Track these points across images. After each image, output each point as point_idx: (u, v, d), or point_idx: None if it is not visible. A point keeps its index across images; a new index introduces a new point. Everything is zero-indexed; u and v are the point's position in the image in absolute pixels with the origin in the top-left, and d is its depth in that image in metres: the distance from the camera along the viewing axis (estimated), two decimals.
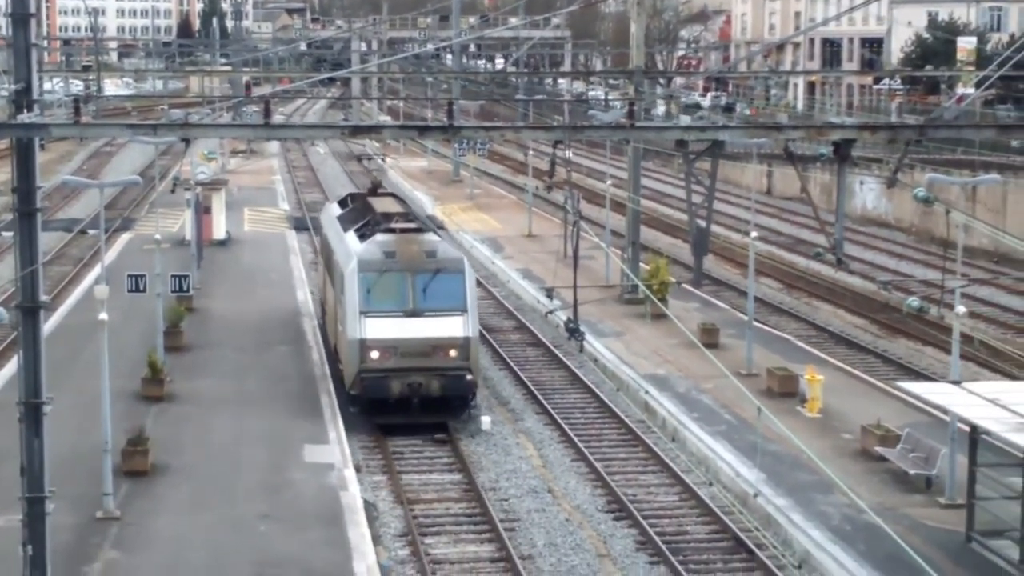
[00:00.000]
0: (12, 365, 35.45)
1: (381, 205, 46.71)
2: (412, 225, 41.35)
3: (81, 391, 33.82)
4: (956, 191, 52.16)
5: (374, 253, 38.42)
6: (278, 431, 37.29)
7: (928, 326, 50.90)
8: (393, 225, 40.53)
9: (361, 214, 45.98)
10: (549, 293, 54.26)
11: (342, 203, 52.49)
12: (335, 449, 35.76)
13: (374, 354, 36.57)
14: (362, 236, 40.75)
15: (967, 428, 29.72)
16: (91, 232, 66.21)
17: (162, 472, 33.53)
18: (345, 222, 45.95)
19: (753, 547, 30.39)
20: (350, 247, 40.33)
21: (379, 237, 39.32)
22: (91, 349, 33.16)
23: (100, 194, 36.14)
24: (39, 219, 22.82)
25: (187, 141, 36.17)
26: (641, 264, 57.77)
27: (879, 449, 35.34)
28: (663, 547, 30.50)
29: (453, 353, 37.22)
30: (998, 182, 59.85)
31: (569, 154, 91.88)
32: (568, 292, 50.07)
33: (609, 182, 67.11)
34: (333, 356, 43.10)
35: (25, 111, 21.99)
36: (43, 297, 23.33)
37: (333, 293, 41.82)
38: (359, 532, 29.72)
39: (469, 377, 37.73)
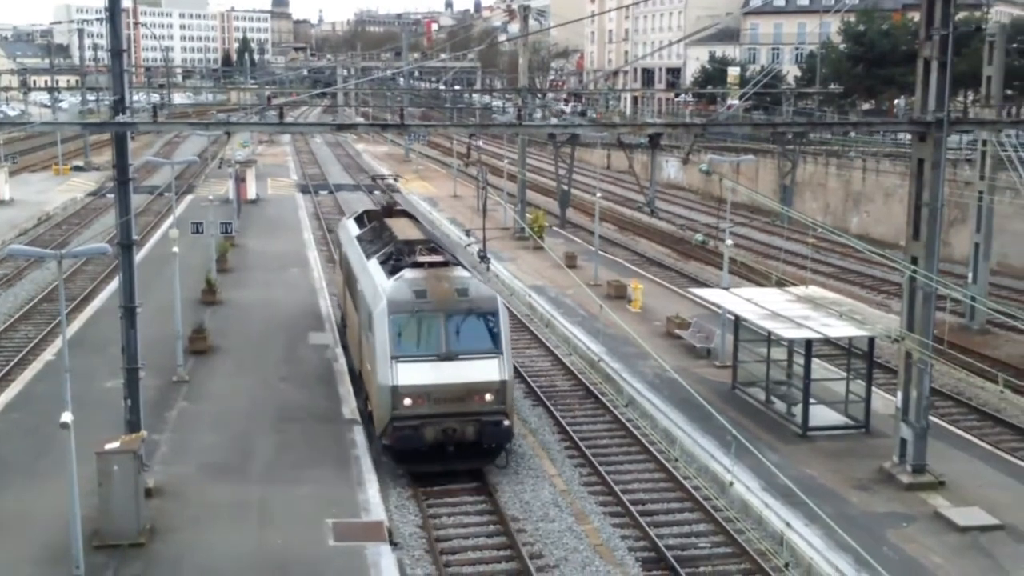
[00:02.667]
0: (115, 283, 34.90)
1: (400, 229, 31.83)
2: (440, 259, 26.63)
3: (161, 299, 33.28)
4: (727, 166, 52.47)
5: (404, 293, 24.36)
6: (291, 323, 36.94)
7: (708, 253, 51.41)
8: (421, 259, 26.27)
9: (381, 238, 31.37)
10: (467, 232, 54.01)
11: (359, 221, 36.69)
12: (329, 336, 35.50)
13: (407, 401, 23.49)
14: (389, 270, 26.35)
15: (733, 317, 30.05)
16: (166, 194, 65.13)
17: (215, 351, 33.15)
18: (365, 244, 31.25)
19: (597, 394, 30.64)
20: (376, 282, 26.00)
21: (408, 274, 25.12)
22: (167, 271, 32.61)
23: (172, 169, 35.62)
24: (131, 186, 22.50)
25: (228, 134, 35.43)
26: (526, 214, 57.71)
27: (677, 331, 35.65)
28: (541, 395, 30.64)
29: (488, 397, 23.96)
30: (753, 161, 60.25)
31: (480, 143, 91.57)
32: (479, 232, 49.93)
33: (506, 161, 67.03)
34: (356, 377, 29.47)
35: (120, 114, 21.71)
36: (134, 237, 23.03)
37: (358, 320, 28.14)
38: (346, 388, 29.57)
39: (506, 423, 24.11)
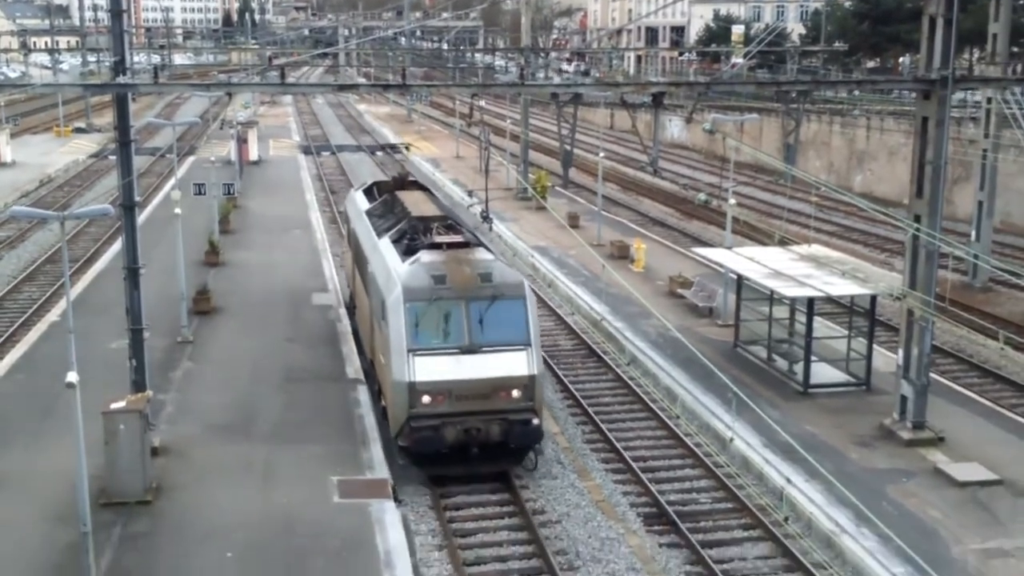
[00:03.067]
0: (118, 244, 35.00)
1: (413, 204, 28.72)
2: (459, 239, 23.95)
3: (164, 260, 33.37)
4: (730, 126, 52.34)
5: (421, 278, 21.68)
6: (295, 284, 37.06)
7: (712, 212, 51.40)
8: (438, 239, 23.62)
9: (393, 213, 28.53)
10: (470, 193, 54.01)
11: (368, 193, 33.25)
12: (333, 296, 35.63)
13: (425, 399, 21.07)
14: (403, 251, 23.65)
15: (735, 276, 30.13)
16: (168, 156, 65.02)
17: (219, 311, 33.31)
18: (376, 220, 28.43)
19: (600, 353, 30.79)
20: (390, 265, 23.27)
21: (425, 257, 22.41)
22: (169, 232, 32.68)
23: (173, 130, 35.60)
24: (132, 147, 22.56)
25: (230, 95, 35.30)
26: (529, 174, 57.66)
27: (680, 291, 35.75)
28: (544, 354, 30.71)
29: (516, 394, 21.42)
30: (757, 119, 60.04)
31: (482, 103, 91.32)
32: (482, 192, 49.95)
33: (508, 121, 66.86)
34: (369, 369, 26.73)
35: (121, 75, 21.72)
36: (136, 198, 23.13)
37: (368, 305, 25.61)
38: (349, 348, 29.74)
39: (535, 421, 21.62)
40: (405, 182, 34.06)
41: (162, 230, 39.79)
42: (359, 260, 28.24)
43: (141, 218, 29.15)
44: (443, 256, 22.57)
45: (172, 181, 40.89)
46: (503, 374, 21.40)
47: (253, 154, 69.08)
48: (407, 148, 47.09)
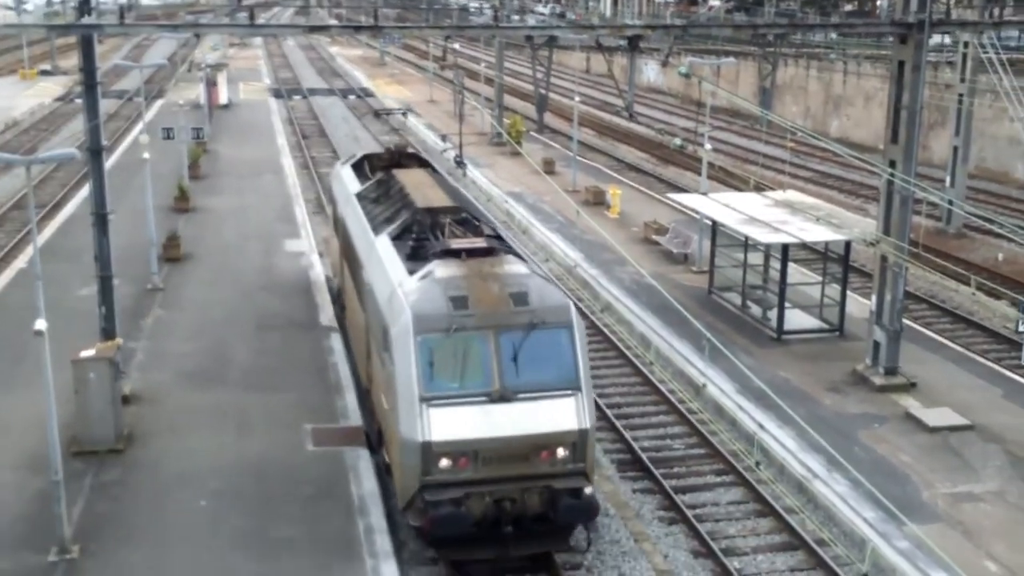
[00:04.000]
0: (85, 190, 34.61)
1: (416, 187, 22.71)
2: (481, 243, 18.32)
3: (133, 206, 33.11)
4: (706, 69, 52.19)
5: (435, 301, 16.30)
6: (266, 231, 36.85)
7: (687, 157, 51.37)
8: (455, 243, 18.07)
9: (391, 200, 22.79)
10: (444, 138, 53.81)
11: (357, 169, 27.56)
12: (305, 243, 35.47)
13: (444, 462, 15.75)
14: (409, 257, 18.36)
15: (710, 222, 30.18)
16: (135, 99, 64.24)
17: (190, 258, 33.13)
18: (370, 207, 22.92)
19: (575, 299, 30.80)
20: (392, 278, 17.82)
21: (439, 271, 16.97)
22: (138, 178, 32.39)
23: (140, 73, 35.23)
24: (99, 90, 22.24)
25: (198, 36, 34.92)
26: (504, 119, 57.35)
27: (655, 237, 35.80)
28: None
29: (562, 453, 16.11)
30: (734, 63, 59.86)
31: (456, 46, 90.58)
32: (456, 137, 49.71)
33: (483, 65, 66.37)
34: (364, 396, 21.48)
35: (86, 16, 21.37)
36: (103, 143, 22.85)
37: (363, 321, 20.49)
38: (323, 297, 29.67)
39: (587, 490, 16.22)
40: (403, 156, 28.00)
41: (131, 175, 39.43)
42: (349, 256, 22.78)
43: (109, 163, 28.78)
44: (462, 269, 17.10)
45: (140, 125, 40.41)
46: (545, 429, 16.08)
47: (223, 97, 68.36)
48: (404, 115, 36.18)
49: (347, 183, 26.31)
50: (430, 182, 23.73)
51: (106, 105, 57.90)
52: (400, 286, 17.16)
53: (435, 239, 18.74)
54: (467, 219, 20.14)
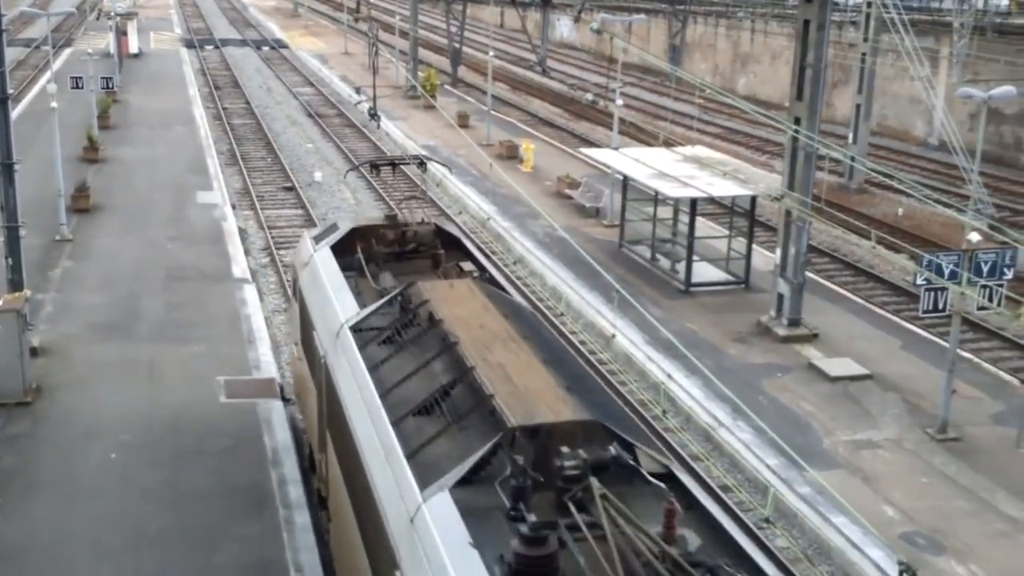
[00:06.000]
0: None
1: (480, 345, 10.64)
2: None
3: (40, 156, 32.11)
4: (619, 26, 52.06)
5: None
6: (178, 182, 36.02)
7: (599, 113, 51.37)
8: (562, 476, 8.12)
9: (430, 375, 10.73)
10: (358, 90, 53.13)
11: (342, 255, 15.34)
12: (218, 194, 34.75)
13: None
14: (498, 559, 7.38)
15: (621, 177, 30.23)
16: (43, 47, 62.17)
17: (99, 210, 32.25)
18: (385, 378, 11.16)
19: (488, 252, 30.73)
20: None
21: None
22: (46, 128, 31.37)
23: (48, 21, 34.09)
24: (4, 37, 21.35)
25: None
26: (418, 72, 56.69)
27: (567, 191, 35.79)
28: None
29: None
30: (645, 20, 59.94)
31: None
32: (370, 90, 49.04)
33: (397, 18, 65.49)
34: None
35: None
36: (10, 91, 22.01)
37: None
38: (236, 248, 29.14)
39: None
40: (421, 235, 15.75)
41: (38, 125, 38.19)
42: (339, 433, 12.53)
43: (15, 112, 27.84)
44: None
45: (48, 74, 39.12)
46: None
47: (133, 47, 66.57)
48: (422, 166, 25.92)
49: (330, 293, 14.37)
50: (505, 331, 11.34)
51: (12, 53, 55.94)
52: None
53: (561, 517, 8.20)
54: (619, 459, 9.02)
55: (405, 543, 8.81)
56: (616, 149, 31.91)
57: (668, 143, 33.17)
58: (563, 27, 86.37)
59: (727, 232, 28.30)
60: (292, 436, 18.48)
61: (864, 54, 39.29)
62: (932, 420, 19.84)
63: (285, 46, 79.42)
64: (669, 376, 21.60)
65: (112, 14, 58.67)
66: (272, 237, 31.76)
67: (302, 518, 15.87)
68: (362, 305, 13.51)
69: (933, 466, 18.47)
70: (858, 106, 39.70)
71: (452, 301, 12.24)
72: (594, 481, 8.11)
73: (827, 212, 28.53)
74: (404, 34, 61.28)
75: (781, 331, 23.92)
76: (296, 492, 16.60)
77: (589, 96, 43.04)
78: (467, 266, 15.09)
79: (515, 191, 32.08)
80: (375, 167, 17.99)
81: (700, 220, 27.86)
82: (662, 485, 8.86)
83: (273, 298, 26.77)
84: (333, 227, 16.83)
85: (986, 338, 25.49)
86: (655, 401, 20.88)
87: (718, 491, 17.76)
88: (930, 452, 18.93)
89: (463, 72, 62.80)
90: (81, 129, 38.89)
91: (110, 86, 42.01)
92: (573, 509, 8.11)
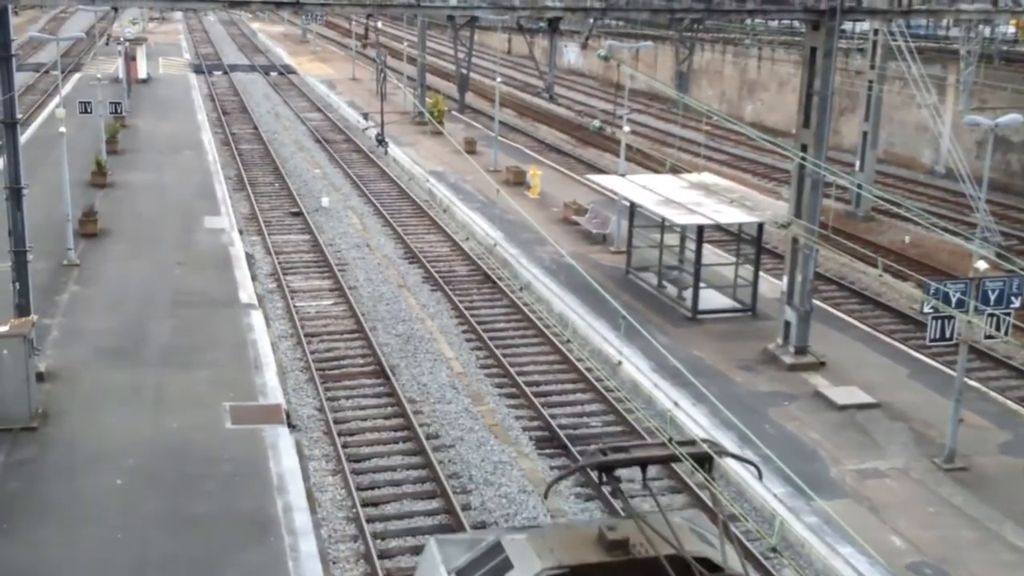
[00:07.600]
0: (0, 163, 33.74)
1: None
2: None
3: (49, 180, 32.25)
4: (625, 53, 52.36)
5: None
6: (186, 207, 36.19)
7: (606, 139, 51.52)
8: None
9: None
10: (365, 116, 53.39)
11: None
12: (225, 219, 34.89)
13: None
14: None
15: (628, 203, 30.30)
16: (52, 72, 62.57)
17: (107, 234, 32.41)
18: None
19: (495, 278, 30.80)
20: None
21: None
22: (54, 152, 31.54)
23: (57, 46, 34.31)
24: (13, 63, 21.55)
25: (116, 9, 34.06)
26: (426, 98, 56.96)
27: (574, 217, 35.88)
28: (439, 279, 30.72)
29: None
30: (652, 47, 60.17)
31: (379, 24, 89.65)
32: (377, 116, 49.27)
33: (405, 43, 65.86)
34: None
35: None
36: (19, 115, 22.20)
37: None
38: (243, 273, 29.23)
39: None
40: None
41: (47, 150, 38.38)
42: None
43: (24, 137, 28.04)
44: None
45: (56, 99, 39.41)
46: None
47: (142, 72, 67.07)
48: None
49: None
50: None
51: (22, 78, 56.36)
52: None
53: None
54: None
55: None
56: (623, 175, 32.00)
57: (675, 170, 33.27)
58: (570, 54, 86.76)
59: (734, 259, 28.33)
60: (298, 462, 18.48)
61: (871, 81, 39.43)
62: (939, 449, 19.78)
63: (293, 72, 79.85)
64: (676, 404, 21.57)
65: (121, 39, 59.31)
66: (279, 262, 31.85)
67: (307, 545, 15.86)
68: None
69: (940, 496, 18.41)
70: (865, 133, 39.79)
71: None
72: None
73: (834, 240, 28.57)
74: (412, 60, 61.58)
75: (788, 359, 23.91)
76: (302, 519, 16.58)
77: (596, 123, 43.21)
78: None
79: (522, 217, 32.17)
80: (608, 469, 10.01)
81: (707, 247, 27.91)
82: None
83: (280, 324, 26.82)
84: (493, 550, 9.39)
85: (993, 367, 25.46)
86: (662, 429, 20.83)
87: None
88: (937, 482, 18.88)
89: (470, 98, 63.08)
90: (89, 154, 39.11)
91: (119, 111, 42.27)
92: None
